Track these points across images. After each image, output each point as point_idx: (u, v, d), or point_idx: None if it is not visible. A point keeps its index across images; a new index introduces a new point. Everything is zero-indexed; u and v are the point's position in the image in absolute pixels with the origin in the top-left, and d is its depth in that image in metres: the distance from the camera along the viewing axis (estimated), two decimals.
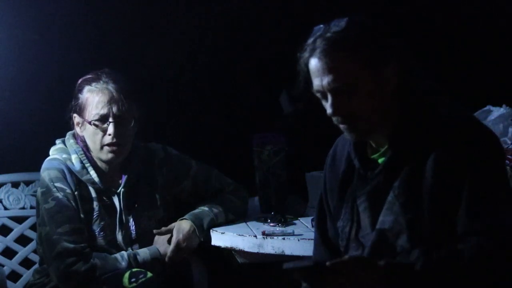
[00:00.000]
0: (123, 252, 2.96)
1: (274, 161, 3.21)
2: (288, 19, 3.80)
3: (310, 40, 2.06)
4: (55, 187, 2.91)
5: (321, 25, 2.07)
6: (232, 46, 3.84)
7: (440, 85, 2.13)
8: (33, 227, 3.24)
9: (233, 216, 3.11)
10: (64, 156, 2.97)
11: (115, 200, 3.00)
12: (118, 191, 3.00)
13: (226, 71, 3.87)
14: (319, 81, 2.05)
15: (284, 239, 2.80)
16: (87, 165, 2.96)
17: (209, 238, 3.02)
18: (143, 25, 3.73)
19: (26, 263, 3.28)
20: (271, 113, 3.65)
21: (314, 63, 2.04)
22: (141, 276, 2.83)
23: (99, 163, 2.99)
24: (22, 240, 3.29)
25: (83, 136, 2.97)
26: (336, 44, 2.02)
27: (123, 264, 2.91)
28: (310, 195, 3.24)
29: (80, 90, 2.95)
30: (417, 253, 2.00)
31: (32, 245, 3.26)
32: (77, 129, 2.98)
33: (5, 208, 3.30)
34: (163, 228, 3.02)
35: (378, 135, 2.11)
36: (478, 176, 1.97)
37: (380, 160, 2.12)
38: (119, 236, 2.99)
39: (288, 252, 2.79)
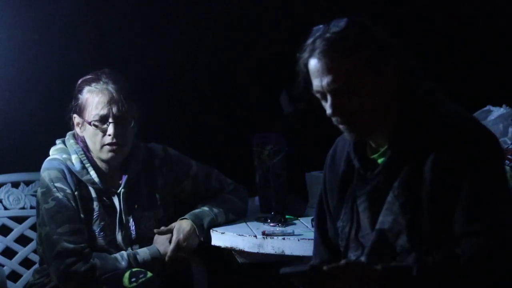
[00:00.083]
0: (123, 252, 2.96)
1: (274, 161, 3.21)
2: (288, 19, 3.80)
3: (310, 41, 2.06)
4: (55, 187, 2.91)
5: (321, 26, 2.07)
6: (232, 46, 3.84)
7: (440, 85, 2.13)
8: (33, 227, 3.24)
9: (233, 216, 3.11)
10: (64, 156, 2.97)
11: (115, 200, 3.00)
12: (118, 191, 3.00)
13: (226, 71, 3.87)
14: (318, 82, 2.04)
15: (284, 239, 2.80)
16: (87, 165, 2.96)
17: (209, 238, 3.02)
18: (143, 25, 3.73)
19: (26, 263, 3.28)
20: (271, 113, 3.65)
21: (313, 63, 2.04)
22: (141, 275, 2.83)
23: (99, 163, 2.99)
24: (22, 240, 3.29)
25: (83, 137, 2.97)
26: (335, 45, 2.02)
27: (123, 264, 2.91)
28: (310, 195, 3.24)
29: (80, 91, 2.95)
30: (414, 256, 2.00)
31: (32, 245, 3.26)
32: (77, 130, 2.98)
33: (5, 208, 3.30)
34: (164, 228, 3.02)
35: (378, 135, 2.11)
36: (477, 176, 1.97)
37: (379, 160, 2.12)
38: (119, 236, 2.99)
39: (288, 252, 2.79)
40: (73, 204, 2.91)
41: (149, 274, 2.85)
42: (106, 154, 2.94)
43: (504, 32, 3.82)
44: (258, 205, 3.28)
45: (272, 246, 2.81)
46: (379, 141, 2.12)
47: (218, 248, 3.00)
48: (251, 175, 3.27)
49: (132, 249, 2.99)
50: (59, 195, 2.90)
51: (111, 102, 2.90)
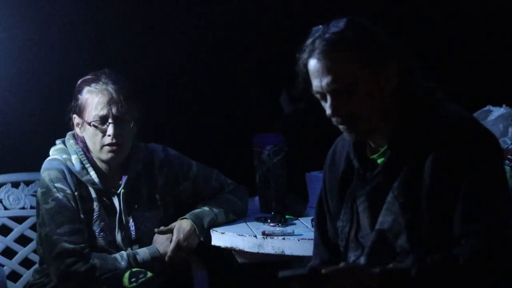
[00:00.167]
0: (123, 252, 2.96)
1: (274, 161, 3.21)
2: (288, 19, 3.80)
3: (309, 41, 2.05)
4: (55, 187, 2.91)
5: (320, 26, 2.07)
6: (232, 46, 3.84)
7: (440, 85, 2.13)
8: (33, 227, 3.24)
9: (233, 216, 3.11)
10: (64, 156, 2.97)
11: (115, 200, 3.00)
12: (118, 191, 3.00)
13: (226, 71, 3.87)
14: (318, 82, 2.04)
15: (284, 239, 2.80)
16: (87, 165, 2.96)
17: (209, 238, 3.02)
18: (143, 25, 3.73)
19: (26, 263, 3.27)
20: (271, 113, 3.65)
21: (313, 64, 2.04)
22: (141, 275, 2.83)
23: (99, 164, 2.99)
24: (22, 240, 3.29)
25: (83, 137, 2.97)
26: (335, 45, 2.01)
27: (123, 264, 2.91)
28: (310, 195, 3.24)
29: (80, 91, 2.95)
30: (413, 258, 2.00)
31: (32, 245, 3.26)
32: (77, 130, 2.97)
33: (5, 208, 3.29)
34: (163, 228, 3.02)
35: (378, 135, 2.11)
36: (477, 176, 1.97)
37: (379, 161, 2.12)
38: (118, 237, 2.98)
39: (288, 252, 2.79)
40: (73, 205, 2.91)
41: (149, 274, 2.85)
42: (106, 155, 2.94)
43: (504, 32, 3.81)
44: (258, 205, 3.28)
45: (272, 246, 2.81)
46: (379, 141, 2.12)
47: (218, 248, 3.00)
48: (251, 175, 3.27)
49: (132, 249, 2.99)
50: (59, 195, 2.90)
51: (110, 102, 2.90)
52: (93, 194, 2.97)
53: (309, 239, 2.70)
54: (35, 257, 3.23)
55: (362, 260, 2.10)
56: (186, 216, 3.04)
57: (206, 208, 3.06)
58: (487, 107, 3.12)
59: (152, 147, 3.12)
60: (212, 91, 3.87)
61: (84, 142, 2.97)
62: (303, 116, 3.29)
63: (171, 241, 2.99)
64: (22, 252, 3.28)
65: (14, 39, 3.54)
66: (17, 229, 3.29)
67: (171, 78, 3.81)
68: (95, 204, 2.96)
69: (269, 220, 3.01)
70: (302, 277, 1.94)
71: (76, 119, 2.96)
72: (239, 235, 2.91)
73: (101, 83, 2.92)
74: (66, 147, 3.00)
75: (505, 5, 3.80)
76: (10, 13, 3.52)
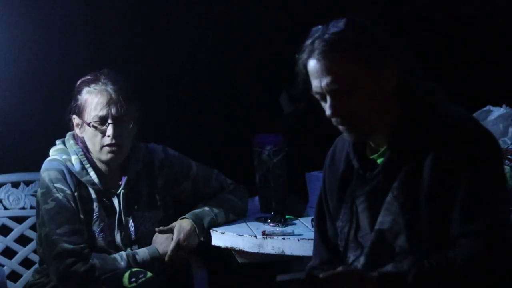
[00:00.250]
0: (122, 252, 2.96)
1: (274, 161, 3.21)
2: (288, 19, 3.80)
3: (308, 42, 2.05)
4: (55, 187, 2.91)
5: (319, 26, 2.07)
6: (232, 46, 3.84)
7: (440, 85, 2.13)
8: (33, 227, 3.24)
9: (233, 216, 3.11)
10: (64, 157, 2.97)
11: (115, 201, 3.00)
12: (118, 192, 3.00)
13: (226, 71, 3.87)
14: (318, 83, 2.04)
15: (284, 239, 2.80)
16: (87, 166, 2.96)
17: (209, 238, 3.02)
18: (143, 25, 3.73)
19: (26, 263, 3.28)
20: (271, 113, 3.65)
21: (312, 64, 2.04)
22: (141, 275, 2.83)
23: (99, 164, 2.99)
24: (22, 240, 3.29)
25: (82, 137, 2.97)
26: (334, 45, 2.01)
27: (122, 264, 2.91)
28: (310, 195, 3.24)
29: (79, 92, 2.95)
30: (411, 260, 1.99)
31: (32, 245, 3.26)
32: (77, 130, 2.97)
33: (5, 208, 3.29)
34: (163, 227, 3.02)
35: (378, 135, 2.11)
36: (476, 176, 1.96)
37: (379, 161, 2.11)
38: (118, 237, 2.98)
39: (288, 252, 2.79)
40: (73, 205, 2.92)
41: (149, 274, 2.85)
42: (105, 155, 2.93)
43: (504, 32, 3.81)
44: (258, 205, 3.28)
45: (272, 246, 2.81)
46: (379, 141, 2.12)
47: (218, 248, 3.00)
48: (251, 175, 3.27)
49: (131, 250, 2.98)
50: (59, 195, 2.90)
51: (110, 103, 2.90)
52: (93, 195, 2.97)
53: (309, 239, 2.70)
54: (35, 257, 3.23)
55: (361, 260, 2.10)
56: (186, 215, 3.04)
57: (206, 208, 3.06)
58: (487, 107, 3.12)
59: (152, 147, 3.12)
60: (212, 91, 3.87)
61: (84, 143, 2.97)
62: (303, 116, 3.28)
63: (171, 241, 2.99)
64: (22, 252, 3.28)
65: (14, 39, 3.54)
66: (17, 229, 3.29)
67: (171, 78, 3.81)
68: (95, 204, 2.96)
69: (269, 220, 3.01)
70: (300, 282, 1.94)
71: (75, 119, 2.96)
72: (239, 235, 2.91)
73: (100, 83, 2.92)
74: (66, 147, 3.00)
75: (505, 5, 3.80)
76: (10, 13, 3.52)
